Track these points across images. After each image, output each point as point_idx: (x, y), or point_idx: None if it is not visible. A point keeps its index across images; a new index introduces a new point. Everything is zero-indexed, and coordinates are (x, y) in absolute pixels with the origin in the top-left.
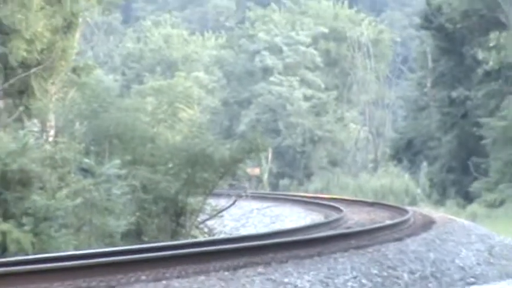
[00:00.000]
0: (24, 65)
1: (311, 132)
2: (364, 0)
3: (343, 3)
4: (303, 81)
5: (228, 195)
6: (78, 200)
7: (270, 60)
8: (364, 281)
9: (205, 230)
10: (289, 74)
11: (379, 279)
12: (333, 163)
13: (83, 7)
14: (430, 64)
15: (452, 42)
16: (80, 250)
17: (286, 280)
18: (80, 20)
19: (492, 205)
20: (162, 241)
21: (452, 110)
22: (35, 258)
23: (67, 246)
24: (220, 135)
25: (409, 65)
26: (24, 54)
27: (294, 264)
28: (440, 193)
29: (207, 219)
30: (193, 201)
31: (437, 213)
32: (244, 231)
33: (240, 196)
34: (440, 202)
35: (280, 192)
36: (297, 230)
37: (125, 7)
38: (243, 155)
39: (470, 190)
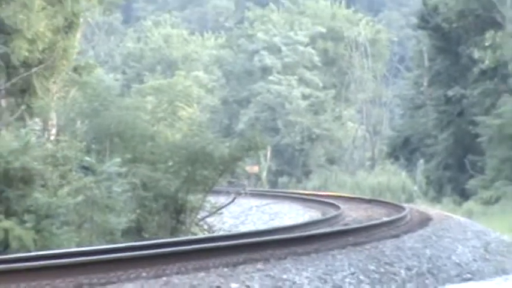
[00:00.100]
0: (26, 65)
1: (309, 130)
2: (361, 0)
3: (340, 3)
4: (301, 80)
5: (228, 193)
6: (80, 198)
7: (268, 59)
8: (361, 277)
9: (205, 227)
10: (287, 73)
11: (376, 276)
12: (331, 161)
13: (83, 7)
14: (427, 63)
15: (448, 41)
16: (81, 247)
17: (284, 276)
18: (81, 20)
19: (488, 202)
20: (162, 238)
21: (448, 108)
22: (36, 255)
23: (69, 243)
24: (220, 133)
25: (406, 64)
26: (26, 53)
27: (293, 261)
28: (436, 190)
29: (207, 217)
30: (193, 198)
31: (434, 210)
32: (243, 228)
33: (239, 193)
34: (436, 199)
35: (279, 190)
36: (295, 227)
37: (125, 7)
38: (242, 153)
39: (466, 187)
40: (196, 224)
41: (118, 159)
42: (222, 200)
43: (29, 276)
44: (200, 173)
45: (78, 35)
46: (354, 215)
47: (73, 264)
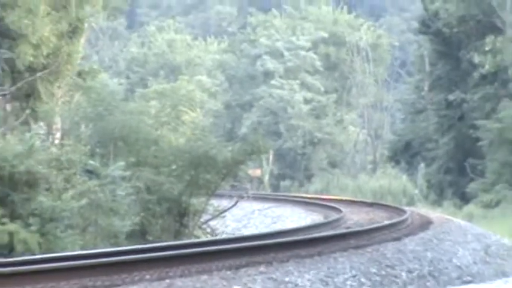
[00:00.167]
0: (31, 69)
1: (311, 134)
2: (363, 5)
3: (342, 8)
4: (303, 85)
5: (230, 196)
6: (84, 201)
7: (271, 64)
8: (363, 279)
9: (208, 230)
10: (289, 77)
11: (377, 278)
12: (333, 165)
13: (88, 13)
14: (428, 68)
15: (449, 46)
16: (85, 250)
17: (287, 279)
18: (85, 25)
19: (488, 205)
20: (166, 241)
21: (449, 112)
22: (41, 258)
23: (73, 246)
24: (223, 137)
25: (407, 68)
26: (31, 58)
27: (295, 264)
28: (437, 194)
29: (210, 220)
30: (196, 202)
31: (435, 214)
32: (246, 232)
33: (241, 197)
34: (437, 203)
35: (281, 193)
36: (297, 230)
37: (129, 13)
38: (245, 157)
39: (467, 191)
40: (200, 227)
41: (122, 163)
42: (224, 203)
43: (34, 279)
44: (203, 176)
45: (83, 40)
46: (355, 218)
47: (78, 267)
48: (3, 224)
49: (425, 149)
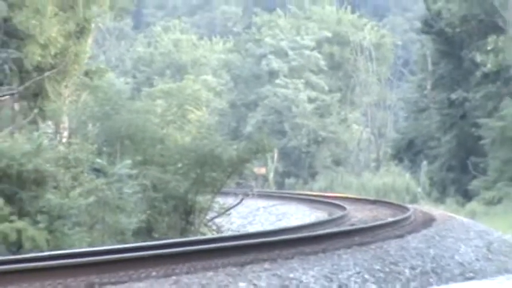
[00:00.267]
0: (39, 69)
1: (315, 133)
2: (366, 5)
3: (346, 8)
4: (308, 84)
5: (235, 194)
6: (91, 199)
7: (275, 63)
8: (367, 276)
9: (214, 227)
10: (294, 76)
11: (381, 275)
12: (337, 163)
13: (95, 13)
14: (430, 67)
15: (451, 45)
16: (92, 247)
17: (291, 276)
18: (92, 25)
19: (490, 203)
20: (172, 238)
21: (451, 111)
22: (49, 255)
23: (80, 244)
24: (228, 136)
25: (410, 67)
26: (39, 58)
27: (299, 260)
28: (440, 191)
29: (215, 217)
30: (202, 199)
31: (437, 211)
32: (251, 229)
33: (247, 195)
34: (440, 200)
35: (286, 191)
36: (302, 227)
37: (135, 13)
38: (250, 155)
39: (469, 188)
40: (205, 225)
41: (129, 161)
42: (230, 201)
43: (42, 276)
44: (209, 174)
45: (90, 40)
46: (359, 215)
47: (85, 264)
48: (11, 221)
49: (428, 147)
